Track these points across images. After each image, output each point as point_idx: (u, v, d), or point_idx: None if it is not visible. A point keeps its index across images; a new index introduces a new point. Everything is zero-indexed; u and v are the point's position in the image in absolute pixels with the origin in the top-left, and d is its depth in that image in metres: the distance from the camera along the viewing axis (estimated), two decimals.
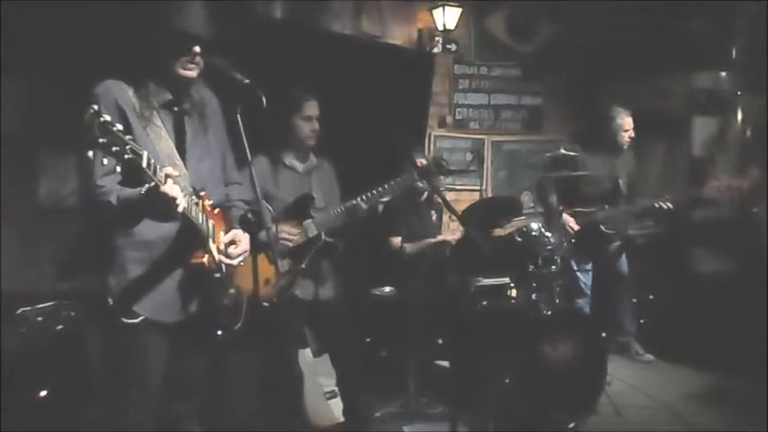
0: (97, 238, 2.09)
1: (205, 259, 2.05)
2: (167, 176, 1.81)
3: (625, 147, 4.44)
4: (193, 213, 2.00)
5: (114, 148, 1.65)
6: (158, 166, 1.81)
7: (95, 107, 1.64)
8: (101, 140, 1.62)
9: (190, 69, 2.07)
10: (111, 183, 1.93)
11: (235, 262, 2.15)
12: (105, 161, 1.67)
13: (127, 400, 2.09)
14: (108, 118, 1.65)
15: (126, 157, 1.67)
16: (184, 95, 2.14)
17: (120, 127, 1.68)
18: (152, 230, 2.04)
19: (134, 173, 1.74)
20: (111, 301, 2.05)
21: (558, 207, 4.31)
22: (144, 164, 1.73)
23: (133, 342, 2.06)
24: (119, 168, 1.69)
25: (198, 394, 2.30)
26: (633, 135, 4.42)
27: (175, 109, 2.13)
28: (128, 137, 1.70)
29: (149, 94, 2.06)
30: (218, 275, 2.11)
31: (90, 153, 1.64)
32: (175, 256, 2.07)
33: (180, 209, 1.86)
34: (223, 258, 2.12)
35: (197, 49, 2.05)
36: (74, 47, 3.56)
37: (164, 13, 2.01)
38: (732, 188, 4.22)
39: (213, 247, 2.10)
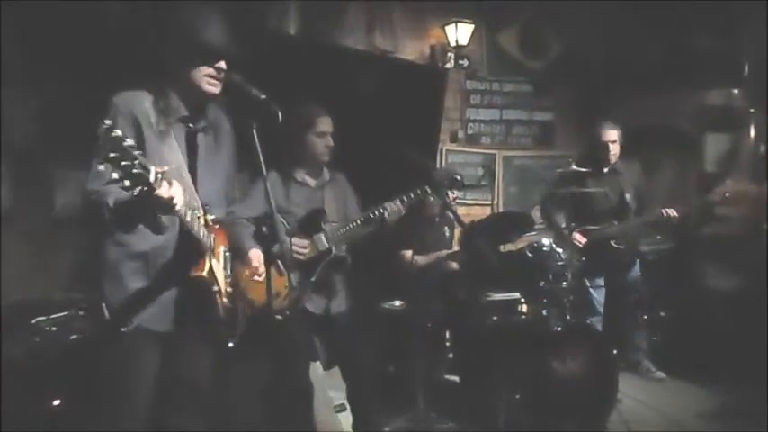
0: (96, 248, 2.10)
1: (204, 273, 2.05)
2: (159, 175, 1.76)
3: (612, 160, 4.42)
4: (195, 227, 2.01)
5: (123, 163, 1.64)
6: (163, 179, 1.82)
7: (108, 122, 1.65)
8: (111, 155, 1.62)
9: (213, 86, 2.09)
10: (107, 187, 1.89)
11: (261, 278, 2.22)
12: (115, 175, 1.65)
13: (119, 409, 2.07)
14: (119, 133, 1.65)
15: (134, 171, 1.66)
16: (201, 113, 2.17)
17: (131, 142, 1.68)
18: (149, 241, 2.04)
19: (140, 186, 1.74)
20: (107, 312, 2.05)
21: (565, 224, 4.32)
22: (151, 179, 1.73)
23: (124, 349, 2.05)
24: (127, 183, 1.67)
25: (200, 406, 2.28)
26: (618, 149, 4.40)
27: (191, 125, 2.15)
28: (137, 152, 1.69)
29: (168, 107, 2.08)
30: (216, 288, 2.12)
31: (101, 167, 1.63)
32: (173, 268, 2.07)
33: (178, 207, 1.83)
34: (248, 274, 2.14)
35: (222, 64, 2.07)
36: (95, 58, 3.61)
37: (191, 27, 2.03)
38: (738, 194, 4.21)
39: (213, 261, 2.11)
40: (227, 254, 2.28)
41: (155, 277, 2.07)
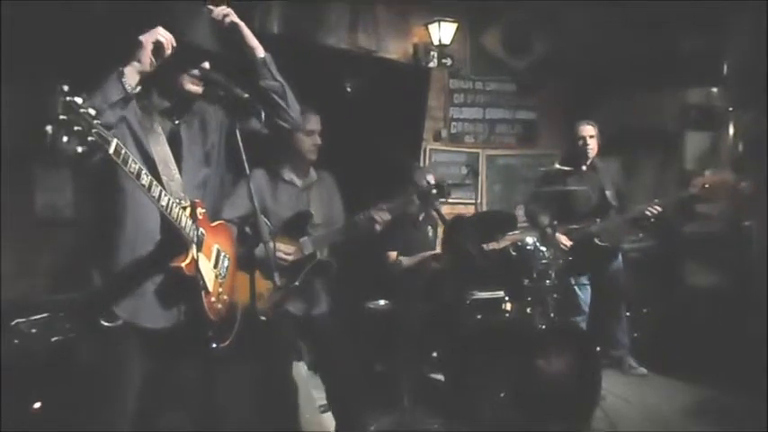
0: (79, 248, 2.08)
1: (184, 264, 2.01)
2: (123, 150, 1.76)
3: (590, 155, 4.46)
4: (173, 215, 1.98)
5: (76, 128, 1.61)
6: (132, 158, 1.80)
7: (66, 87, 1.61)
8: (61, 117, 1.59)
9: (196, 85, 2.08)
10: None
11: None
12: (65, 138, 1.60)
13: (105, 407, 2.03)
14: (79, 100, 1.62)
15: (89, 139, 1.63)
16: (185, 107, 2.15)
17: (91, 112, 1.64)
18: (137, 230, 2.02)
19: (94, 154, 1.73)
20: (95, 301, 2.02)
21: (549, 223, 4.33)
22: (111, 150, 1.71)
23: (112, 346, 2.02)
24: (79, 149, 1.63)
25: (186, 406, 2.27)
26: (596, 144, 4.44)
27: (176, 121, 2.14)
28: (96, 121, 1.65)
29: (151, 104, 2.07)
30: (200, 283, 2.07)
31: (48, 128, 1.59)
32: (156, 259, 2.04)
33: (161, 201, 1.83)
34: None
35: (206, 65, 2.06)
36: (75, 56, 3.56)
37: (175, 27, 1.99)
38: (716, 184, 4.26)
39: (199, 255, 2.07)
40: (223, 254, 2.22)
41: (139, 267, 2.03)
